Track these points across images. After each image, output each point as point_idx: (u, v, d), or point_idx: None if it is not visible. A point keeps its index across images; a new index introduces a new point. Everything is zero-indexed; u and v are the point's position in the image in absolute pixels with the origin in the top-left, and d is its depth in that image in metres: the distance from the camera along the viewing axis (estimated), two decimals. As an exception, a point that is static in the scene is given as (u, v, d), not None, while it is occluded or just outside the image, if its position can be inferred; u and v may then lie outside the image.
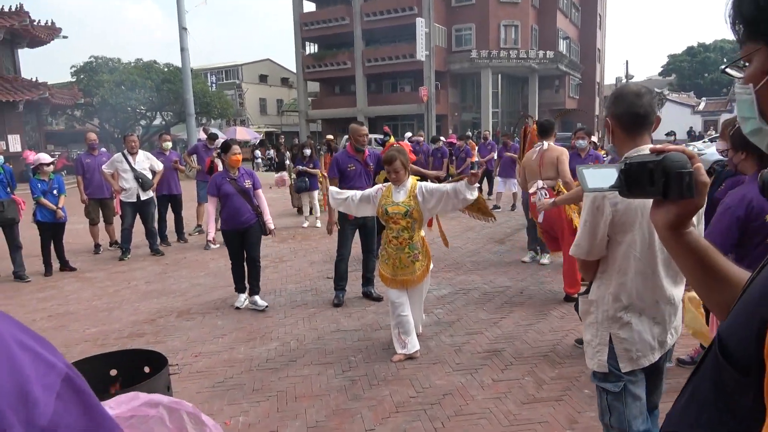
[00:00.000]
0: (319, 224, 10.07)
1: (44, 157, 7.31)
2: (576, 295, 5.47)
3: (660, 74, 62.31)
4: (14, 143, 21.22)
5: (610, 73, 69.82)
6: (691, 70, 55.93)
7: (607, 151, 9.30)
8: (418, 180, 4.19)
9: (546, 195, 5.30)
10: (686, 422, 0.78)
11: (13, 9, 21.65)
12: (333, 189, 4.57)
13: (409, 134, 17.28)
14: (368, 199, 4.25)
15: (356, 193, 4.35)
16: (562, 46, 41.90)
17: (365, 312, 5.30)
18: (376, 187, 4.35)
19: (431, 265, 4.26)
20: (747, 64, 0.76)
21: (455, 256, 7.49)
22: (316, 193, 10.07)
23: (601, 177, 1.07)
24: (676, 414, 0.82)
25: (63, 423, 0.49)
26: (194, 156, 9.57)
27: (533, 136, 6.39)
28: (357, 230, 5.58)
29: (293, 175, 11.01)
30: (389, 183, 4.19)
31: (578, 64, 45.07)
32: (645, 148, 1.85)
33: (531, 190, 5.52)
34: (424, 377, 3.84)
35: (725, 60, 52.94)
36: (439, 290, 5.91)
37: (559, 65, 38.83)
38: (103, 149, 9.20)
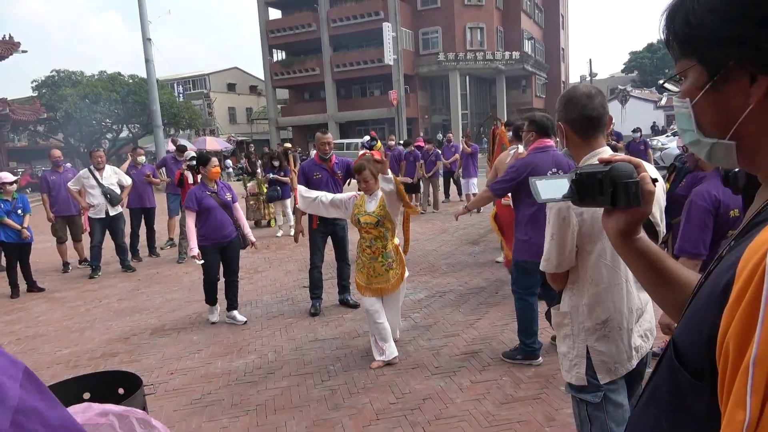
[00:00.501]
0: (293, 232, 10.00)
1: (6, 176, 7.11)
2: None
3: (623, 71, 63.82)
4: (-26, 162, 20.58)
5: (575, 72, 71.22)
6: (652, 66, 57.39)
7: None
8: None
9: None
10: (645, 424, 0.80)
11: (-32, 24, 21.01)
12: (301, 188, 4.57)
13: (366, 138, 17.19)
14: (339, 204, 4.25)
15: (326, 195, 4.35)
16: (527, 46, 42.61)
17: (342, 320, 5.30)
18: (350, 194, 4.35)
19: (406, 273, 4.28)
20: (683, 78, 0.79)
21: (431, 259, 7.54)
22: (288, 201, 10.03)
23: (554, 187, 1.11)
24: (636, 416, 0.85)
25: (29, 404, 0.61)
26: (163, 168, 9.43)
27: (502, 137, 6.49)
28: (328, 238, 5.58)
29: (264, 184, 10.96)
30: (362, 194, 4.18)
31: (544, 64, 45.92)
32: (600, 152, 1.88)
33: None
34: (404, 383, 3.86)
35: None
36: (416, 294, 5.94)
37: (525, 65, 39.50)
38: (68, 165, 8.99)
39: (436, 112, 40.27)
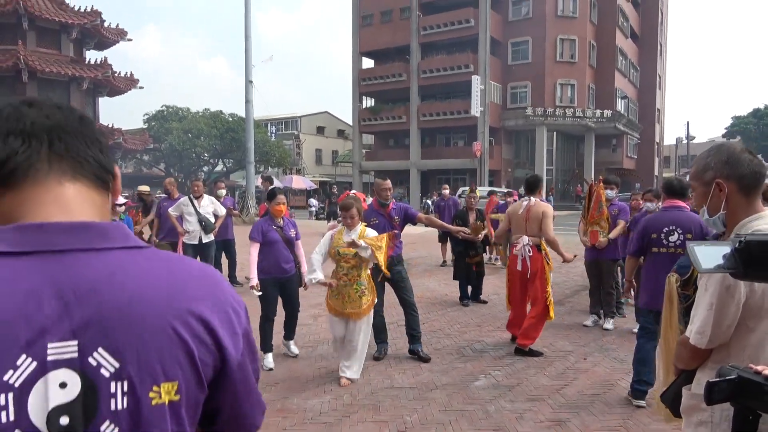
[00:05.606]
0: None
1: (118, 198, 7.67)
2: (527, 348, 5.47)
3: (723, 136, 60.29)
4: (87, 184, 22.58)
5: (671, 134, 68.37)
6: (758, 133, 53.77)
7: None
8: (366, 226, 4.80)
9: (530, 251, 5.50)
10: None
11: (99, 62, 23.51)
12: (315, 257, 4.79)
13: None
14: (325, 250, 4.76)
15: (316, 256, 4.76)
16: (620, 105, 41.52)
17: (420, 369, 5.12)
18: (328, 233, 4.85)
19: (376, 300, 4.85)
20: None
21: (512, 316, 7.22)
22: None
23: (716, 255, 0.98)
24: None
25: (249, 333, 0.91)
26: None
27: (599, 194, 6.26)
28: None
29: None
30: (341, 227, 4.77)
31: (637, 124, 44.39)
32: (764, 215, 1.70)
33: (517, 245, 5.63)
34: (484, 445, 3.63)
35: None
36: (496, 351, 5.68)
37: (616, 124, 38.37)
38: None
39: (519, 166, 39.79)
